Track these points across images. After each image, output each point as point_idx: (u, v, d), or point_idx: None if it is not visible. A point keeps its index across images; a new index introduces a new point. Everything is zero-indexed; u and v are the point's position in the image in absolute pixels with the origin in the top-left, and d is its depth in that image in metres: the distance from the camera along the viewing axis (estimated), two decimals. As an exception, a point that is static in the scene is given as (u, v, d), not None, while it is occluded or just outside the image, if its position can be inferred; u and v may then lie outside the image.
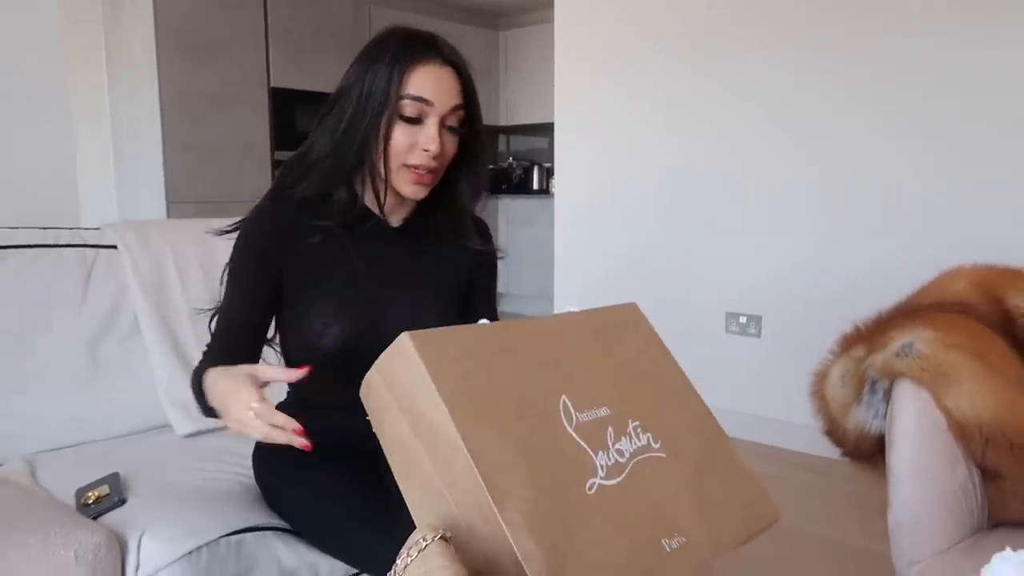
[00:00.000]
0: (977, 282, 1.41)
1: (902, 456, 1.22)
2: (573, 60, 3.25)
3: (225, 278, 1.13)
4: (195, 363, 1.57)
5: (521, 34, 5.75)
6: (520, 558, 0.64)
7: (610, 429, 0.79)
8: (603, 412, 0.80)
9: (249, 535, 1.11)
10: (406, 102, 1.03)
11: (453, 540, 0.70)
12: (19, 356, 1.43)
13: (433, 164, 1.07)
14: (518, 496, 0.67)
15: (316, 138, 1.09)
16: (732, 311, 2.86)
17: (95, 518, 1.12)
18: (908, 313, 1.34)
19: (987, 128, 2.28)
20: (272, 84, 4.27)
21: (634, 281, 3.11)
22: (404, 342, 0.74)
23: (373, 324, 1.10)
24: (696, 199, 2.92)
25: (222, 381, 0.95)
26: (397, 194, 1.11)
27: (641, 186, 3.07)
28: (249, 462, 1.25)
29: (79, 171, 2.22)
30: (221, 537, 1.08)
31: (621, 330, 0.93)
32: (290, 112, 4.35)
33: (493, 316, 1.26)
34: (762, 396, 2.80)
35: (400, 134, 1.05)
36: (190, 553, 1.05)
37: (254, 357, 1.12)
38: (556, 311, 1.00)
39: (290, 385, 1.17)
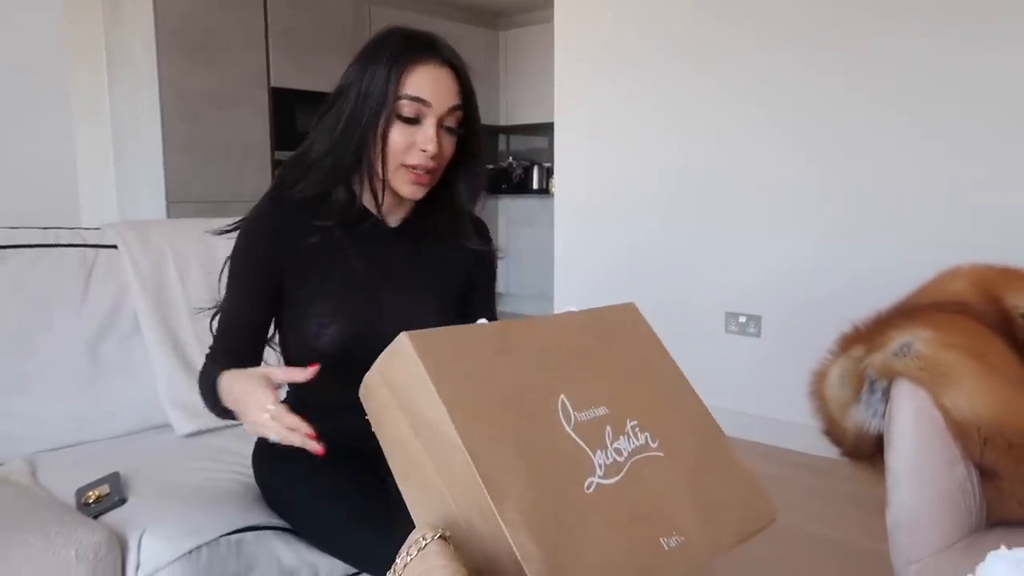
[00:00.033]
0: (976, 282, 1.41)
1: (900, 455, 1.22)
2: (573, 60, 3.25)
3: (223, 277, 1.13)
4: (195, 363, 1.59)
5: (521, 34, 5.75)
6: (519, 557, 0.64)
7: (608, 428, 0.79)
8: (601, 411, 0.80)
9: (249, 534, 1.11)
10: (404, 102, 1.04)
11: (452, 539, 0.70)
12: (19, 356, 1.43)
13: (431, 164, 1.07)
14: (517, 495, 0.67)
15: (315, 137, 1.10)
16: (732, 311, 2.86)
17: (95, 517, 1.12)
18: (907, 313, 1.34)
19: (987, 128, 2.28)
20: (272, 84, 4.27)
21: (634, 281, 3.11)
22: (403, 342, 0.74)
23: (371, 324, 1.10)
24: (696, 199, 2.92)
25: (238, 383, 0.96)
26: (395, 194, 1.11)
27: (641, 186, 3.07)
28: (249, 462, 1.25)
29: (79, 171, 2.23)
30: (221, 536, 1.09)
31: (619, 330, 0.93)
32: (290, 112, 4.35)
33: (492, 316, 1.27)
34: (761, 396, 2.80)
35: (398, 134, 1.05)
36: (190, 552, 1.06)
37: (257, 357, 1.13)
38: (556, 311, 1.00)
39: (289, 384, 1.18)
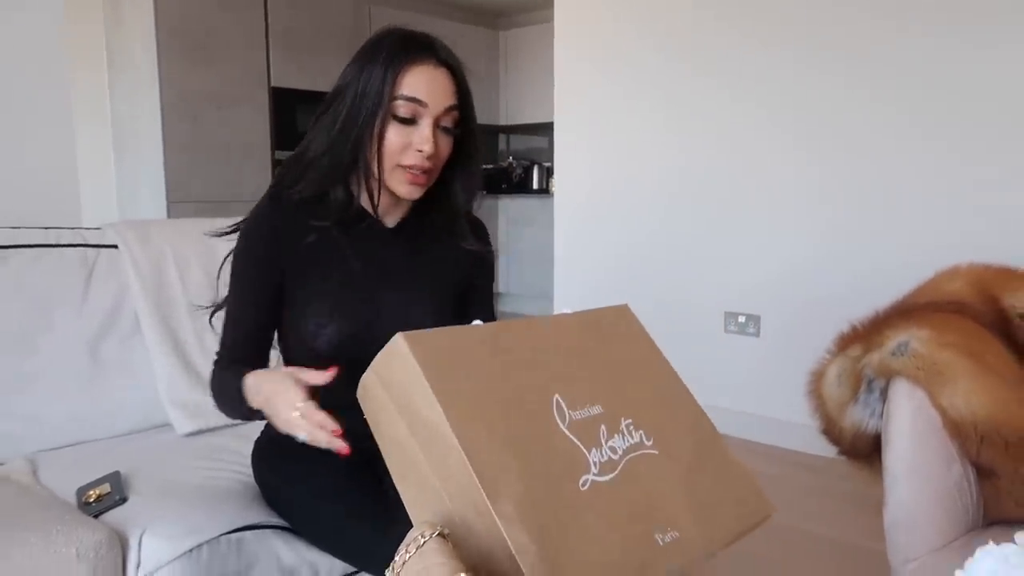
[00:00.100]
0: (973, 282, 1.41)
1: (898, 454, 1.22)
2: (573, 60, 3.25)
3: (221, 274, 1.13)
4: (196, 362, 1.60)
5: (521, 34, 5.75)
6: (513, 551, 0.64)
7: (603, 427, 0.80)
8: (596, 410, 0.81)
9: (249, 533, 1.12)
10: (400, 103, 1.04)
11: (451, 537, 0.70)
12: (20, 356, 1.44)
13: (427, 164, 1.07)
14: (512, 492, 0.68)
15: (313, 137, 1.10)
16: (731, 310, 2.87)
17: (96, 516, 1.13)
18: (904, 312, 1.34)
19: (987, 128, 2.28)
20: (272, 84, 4.28)
21: (634, 280, 3.12)
22: (399, 343, 0.74)
23: (369, 324, 1.10)
24: (696, 199, 2.92)
25: (268, 383, 0.97)
26: (392, 194, 1.12)
27: (641, 186, 3.08)
28: (249, 461, 1.25)
29: (80, 171, 2.23)
30: (221, 535, 1.09)
31: (613, 330, 0.94)
32: (290, 112, 4.35)
33: (491, 316, 1.27)
34: (760, 395, 2.80)
35: (394, 134, 1.05)
36: (191, 551, 1.06)
37: (264, 358, 1.13)
38: (555, 311, 1.01)
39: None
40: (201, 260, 1.68)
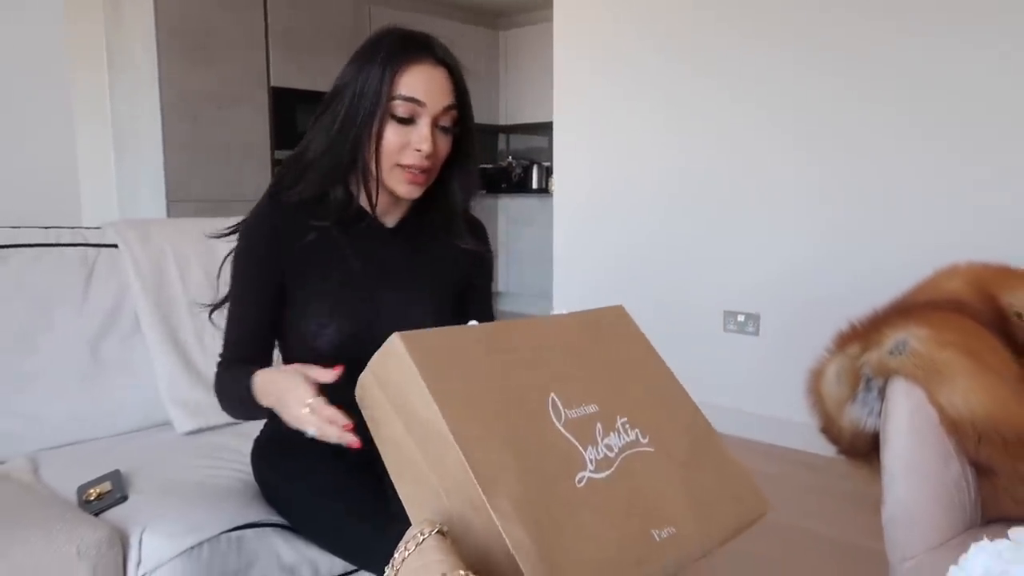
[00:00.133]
0: (972, 280, 1.41)
1: (896, 452, 1.23)
2: (572, 60, 3.25)
3: (221, 273, 1.14)
4: (196, 361, 1.60)
5: (521, 34, 5.76)
6: (510, 547, 0.65)
7: (599, 425, 0.80)
8: (592, 409, 0.81)
9: (249, 531, 1.12)
10: (398, 102, 1.04)
11: (449, 534, 0.71)
12: (21, 355, 1.44)
13: (426, 164, 1.07)
14: (508, 489, 0.68)
15: (312, 137, 1.10)
16: (730, 310, 2.87)
17: (97, 514, 1.13)
18: (903, 311, 1.34)
19: (987, 128, 2.28)
20: (272, 84, 4.28)
21: (633, 280, 3.12)
22: (395, 343, 0.75)
23: (369, 324, 1.11)
24: (696, 199, 2.93)
25: (279, 381, 0.97)
26: (391, 194, 1.12)
27: (641, 186, 3.08)
28: (249, 459, 1.26)
29: (80, 171, 2.23)
30: (222, 533, 1.09)
31: (609, 330, 0.95)
32: (290, 112, 4.36)
33: (489, 315, 1.27)
34: (760, 394, 2.80)
35: (392, 134, 1.05)
36: (191, 549, 1.06)
37: (268, 358, 1.14)
38: (554, 311, 1.02)
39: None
40: (201, 259, 1.68)
